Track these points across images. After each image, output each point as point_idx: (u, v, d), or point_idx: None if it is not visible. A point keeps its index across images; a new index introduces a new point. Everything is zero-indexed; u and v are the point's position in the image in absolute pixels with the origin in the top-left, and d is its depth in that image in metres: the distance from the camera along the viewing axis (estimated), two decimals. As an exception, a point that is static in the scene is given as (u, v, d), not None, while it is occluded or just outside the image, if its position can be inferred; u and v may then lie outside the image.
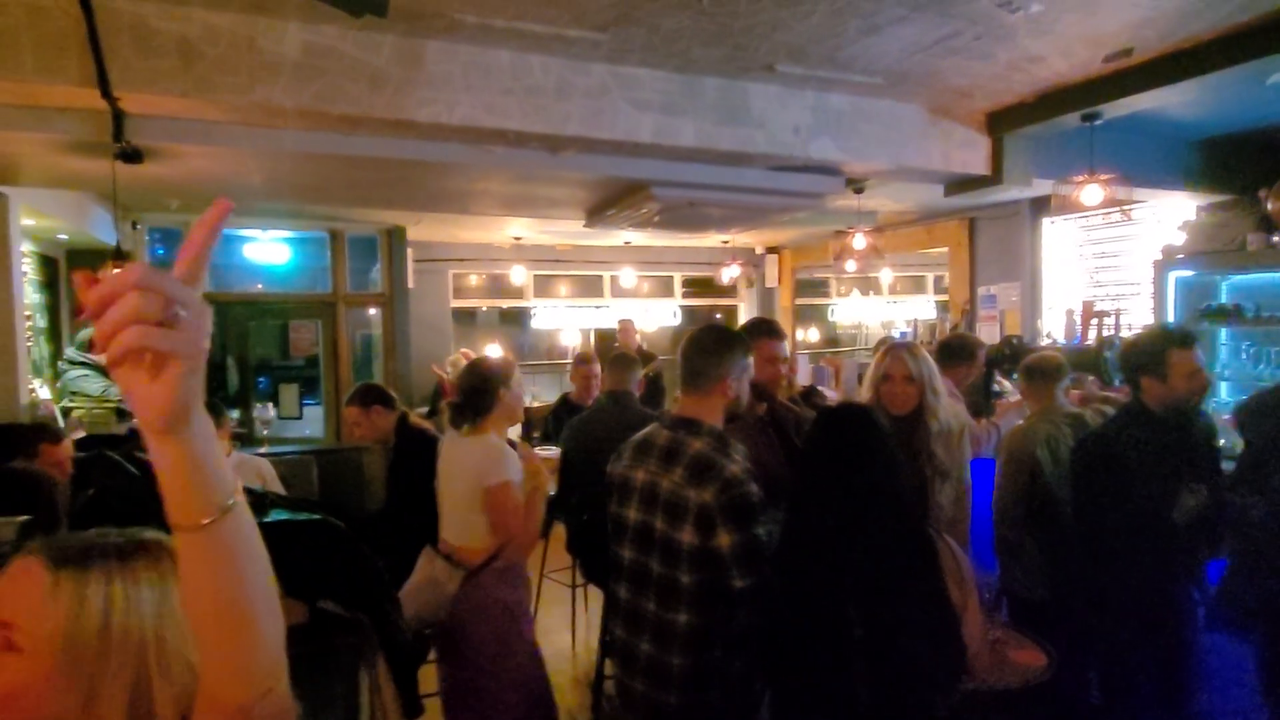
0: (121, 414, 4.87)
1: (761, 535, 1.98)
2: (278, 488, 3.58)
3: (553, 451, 4.65)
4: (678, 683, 2.03)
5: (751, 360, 2.24)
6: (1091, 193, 4.33)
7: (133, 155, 3.64)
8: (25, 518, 2.01)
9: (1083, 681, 2.58)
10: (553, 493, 3.98)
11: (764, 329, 2.73)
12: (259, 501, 2.02)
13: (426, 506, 2.85)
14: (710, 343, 2.17)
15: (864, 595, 1.71)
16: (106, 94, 3.04)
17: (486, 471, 2.55)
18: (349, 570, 2.00)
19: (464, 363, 7.34)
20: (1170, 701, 2.58)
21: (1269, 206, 4.83)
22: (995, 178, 4.84)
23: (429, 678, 2.96)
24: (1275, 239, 4.79)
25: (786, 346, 2.72)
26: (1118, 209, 4.81)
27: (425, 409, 7.25)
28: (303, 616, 1.95)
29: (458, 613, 2.57)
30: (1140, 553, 2.47)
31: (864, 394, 2.85)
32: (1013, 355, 4.61)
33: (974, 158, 4.79)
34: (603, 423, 3.79)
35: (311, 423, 7.11)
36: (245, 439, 5.45)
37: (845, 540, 1.76)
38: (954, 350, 3.63)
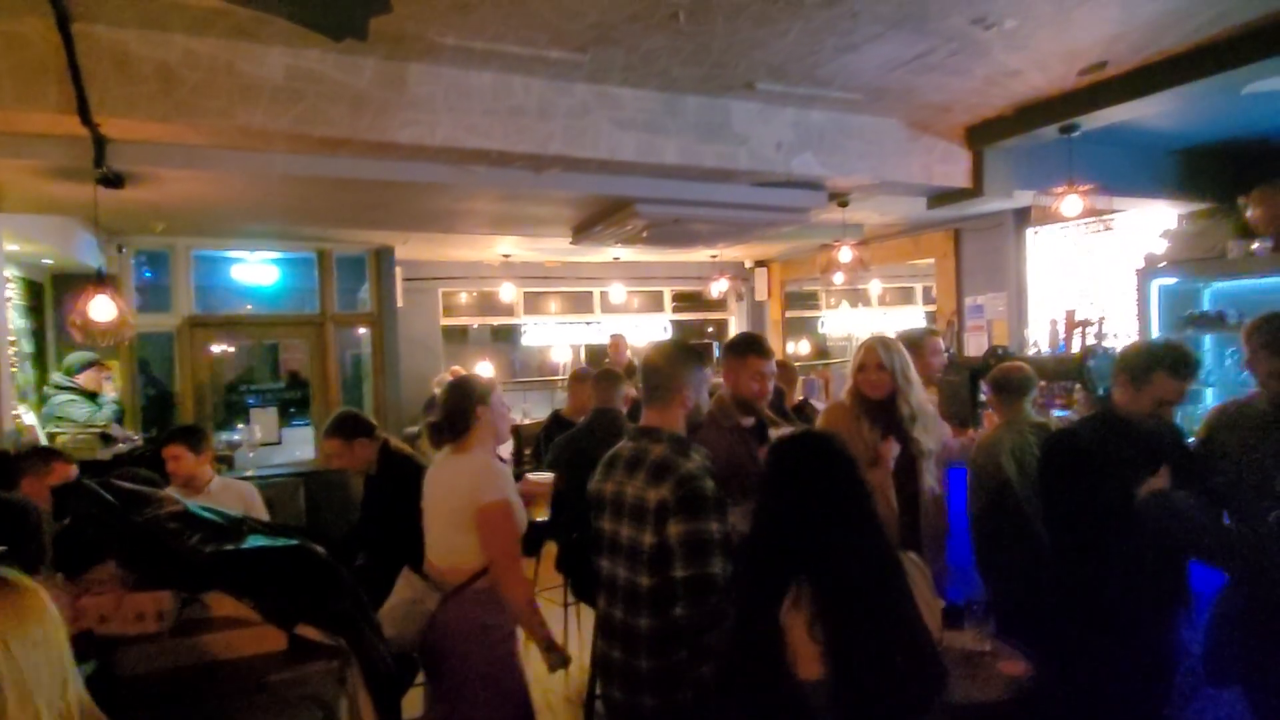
0: (106, 439, 4.85)
1: (713, 531, 2.03)
2: (261, 512, 3.55)
3: (548, 476, 4.62)
4: (649, 685, 2.08)
5: (709, 371, 2.35)
6: (1071, 204, 4.37)
7: (114, 180, 3.65)
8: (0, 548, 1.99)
9: (1068, 690, 2.56)
10: (546, 517, 3.97)
11: (751, 347, 2.77)
12: (235, 528, 2.01)
13: (408, 531, 2.82)
14: (666, 359, 2.28)
15: (830, 625, 1.66)
16: (86, 120, 3.05)
17: (481, 488, 2.51)
18: (327, 595, 2.00)
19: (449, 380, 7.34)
20: (1151, 707, 2.58)
21: (1248, 214, 4.89)
22: (976, 190, 4.89)
23: (412, 704, 2.94)
24: (1255, 246, 4.83)
25: (774, 364, 2.77)
26: (1098, 219, 4.86)
27: (415, 429, 7.24)
28: (281, 642, 1.95)
29: (435, 633, 2.55)
30: (1110, 550, 2.47)
31: (847, 382, 3.05)
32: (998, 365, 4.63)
33: (955, 171, 4.83)
34: (589, 440, 3.78)
35: (300, 444, 7.07)
36: (230, 462, 5.40)
37: (807, 571, 1.71)
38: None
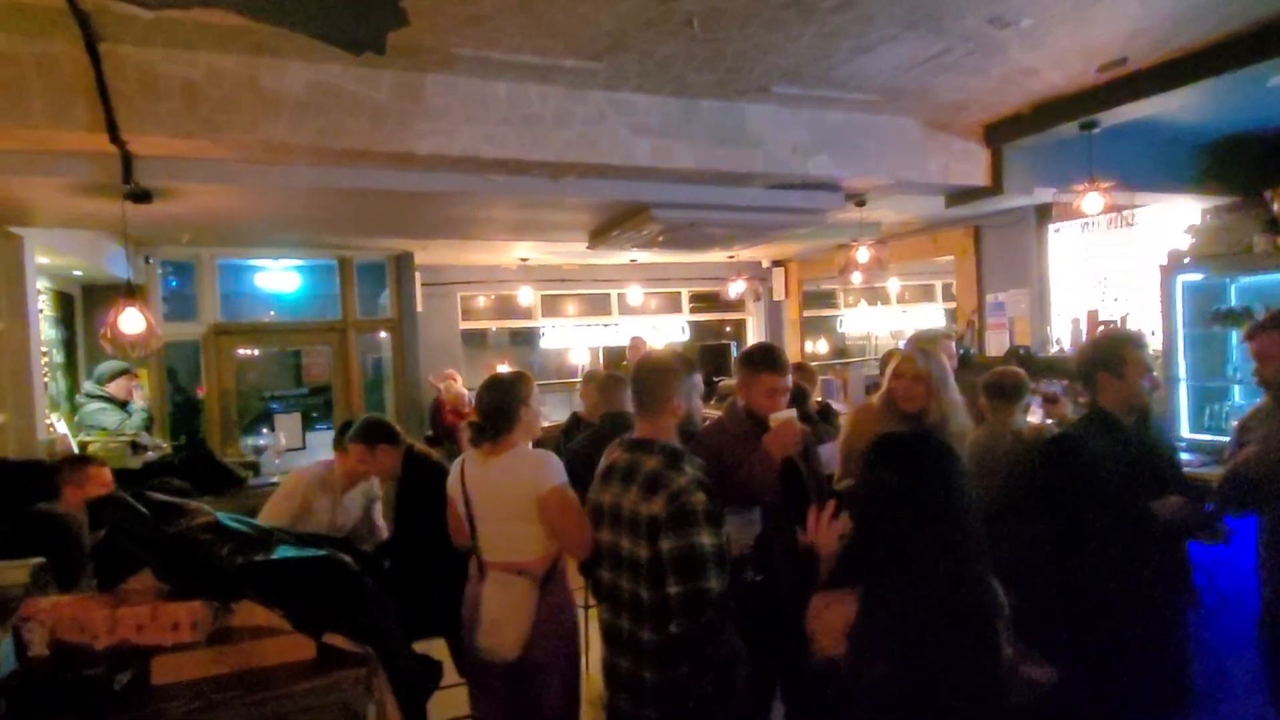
0: (136, 448, 4.95)
1: (705, 545, 2.03)
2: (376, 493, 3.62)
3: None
4: (653, 697, 2.12)
5: (698, 377, 2.36)
6: (1091, 201, 4.33)
7: (142, 195, 3.72)
8: (38, 560, 2.05)
9: (1088, 694, 2.55)
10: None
11: (765, 363, 2.73)
12: (265, 539, 2.06)
13: (430, 535, 2.86)
14: (653, 370, 2.31)
15: (907, 634, 1.63)
16: (115, 138, 3.11)
17: (540, 479, 2.52)
18: (354, 604, 2.03)
19: (454, 385, 7.35)
20: (1171, 710, 2.57)
21: (1275, 208, 4.81)
22: (995, 188, 4.85)
23: (439, 706, 2.98)
24: (1282, 240, 4.76)
25: (789, 379, 2.74)
26: (1120, 215, 4.81)
27: (431, 433, 7.30)
28: (310, 651, 1.99)
29: (541, 625, 2.53)
30: (1116, 555, 2.46)
31: (881, 385, 3.01)
32: (1019, 365, 4.59)
33: (973, 169, 4.80)
34: (599, 444, 3.79)
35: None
36: (255, 468, 5.48)
37: (886, 578, 1.68)
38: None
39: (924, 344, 3.54)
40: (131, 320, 3.65)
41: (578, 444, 4.19)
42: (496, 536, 2.62)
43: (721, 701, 2.12)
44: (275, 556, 2.00)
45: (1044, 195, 5.22)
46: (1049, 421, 4.34)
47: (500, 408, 2.61)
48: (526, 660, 2.52)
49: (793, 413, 2.65)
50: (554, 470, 2.55)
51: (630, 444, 2.30)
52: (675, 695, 2.11)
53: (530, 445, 2.75)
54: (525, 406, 2.64)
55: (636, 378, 2.33)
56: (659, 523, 2.06)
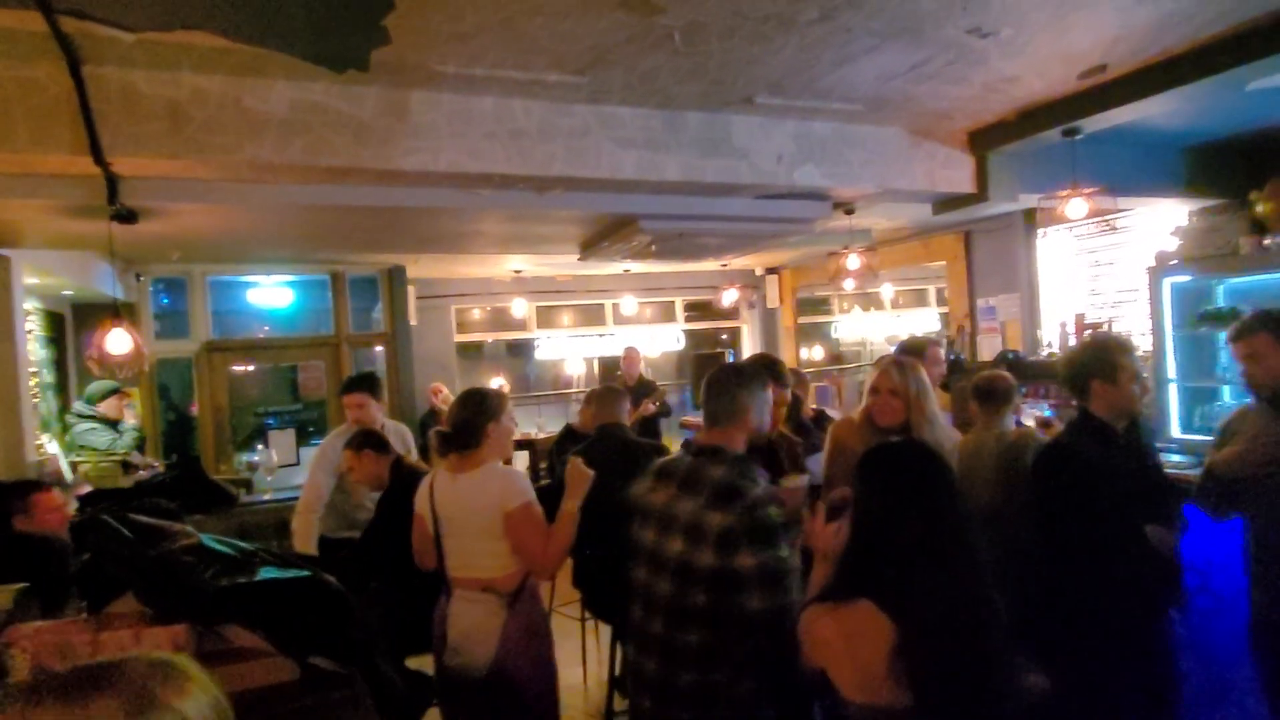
0: (127, 467, 4.94)
1: (785, 557, 2.02)
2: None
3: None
4: (686, 700, 2.08)
5: (770, 391, 2.33)
6: (1075, 206, 4.35)
7: (127, 216, 3.73)
8: (22, 585, 2.04)
9: (1081, 701, 2.55)
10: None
11: (769, 372, 2.70)
12: (248, 560, 2.05)
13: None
14: (729, 384, 2.26)
15: (915, 663, 1.57)
16: (99, 160, 3.12)
17: (507, 496, 2.52)
18: (339, 626, 2.03)
19: (434, 399, 7.39)
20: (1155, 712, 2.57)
21: (1259, 209, 4.84)
22: (981, 195, 4.87)
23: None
24: (1267, 241, 4.78)
25: (789, 392, 2.75)
26: (1104, 219, 4.83)
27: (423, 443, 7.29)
28: (294, 673, 1.98)
29: (510, 643, 2.53)
30: (1108, 564, 2.47)
31: (862, 398, 2.98)
32: (1009, 370, 4.60)
33: (959, 176, 4.82)
34: (595, 457, 3.80)
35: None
36: (248, 485, 5.47)
37: (879, 596, 1.64)
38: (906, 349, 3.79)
39: (907, 353, 3.56)
40: (118, 341, 3.64)
41: (572, 455, 4.19)
42: (463, 553, 2.61)
43: (753, 705, 2.09)
44: (258, 578, 1.99)
45: (1029, 201, 5.25)
46: (1040, 433, 4.35)
47: (468, 423, 2.60)
48: (496, 678, 2.50)
49: (805, 479, 2.63)
50: (520, 487, 2.55)
51: (697, 449, 2.25)
52: (711, 698, 2.08)
53: (501, 463, 2.74)
54: (495, 423, 2.62)
55: (709, 394, 2.27)
56: (733, 533, 2.01)
